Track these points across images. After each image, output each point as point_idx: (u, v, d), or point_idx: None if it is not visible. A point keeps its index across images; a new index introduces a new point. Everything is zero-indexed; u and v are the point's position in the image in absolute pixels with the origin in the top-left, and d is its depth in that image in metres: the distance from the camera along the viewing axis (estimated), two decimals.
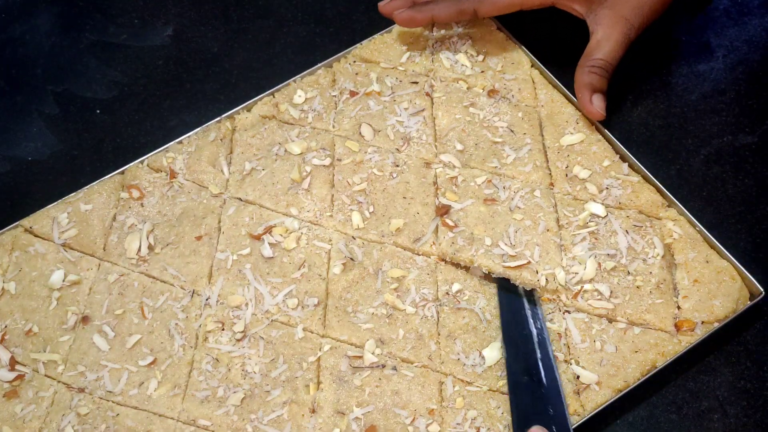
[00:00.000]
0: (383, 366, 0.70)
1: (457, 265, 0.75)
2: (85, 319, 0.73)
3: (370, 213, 0.77)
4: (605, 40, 0.80)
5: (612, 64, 0.80)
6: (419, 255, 0.76)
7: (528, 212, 0.75)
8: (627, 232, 0.75)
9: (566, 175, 0.79)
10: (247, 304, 0.73)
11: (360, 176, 0.79)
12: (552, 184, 0.79)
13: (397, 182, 0.79)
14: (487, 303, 0.73)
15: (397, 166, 0.80)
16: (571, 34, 0.92)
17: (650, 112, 0.87)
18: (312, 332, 0.72)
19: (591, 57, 0.80)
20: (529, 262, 0.72)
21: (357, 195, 0.78)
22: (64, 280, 0.75)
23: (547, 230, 0.74)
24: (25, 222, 0.78)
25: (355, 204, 0.78)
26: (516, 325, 0.71)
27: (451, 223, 0.74)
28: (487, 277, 0.75)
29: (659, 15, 0.83)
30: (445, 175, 0.78)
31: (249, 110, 0.84)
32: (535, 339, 0.70)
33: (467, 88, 0.85)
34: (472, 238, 0.74)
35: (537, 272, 0.71)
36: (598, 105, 0.80)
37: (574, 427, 0.67)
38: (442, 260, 0.75)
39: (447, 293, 0.73)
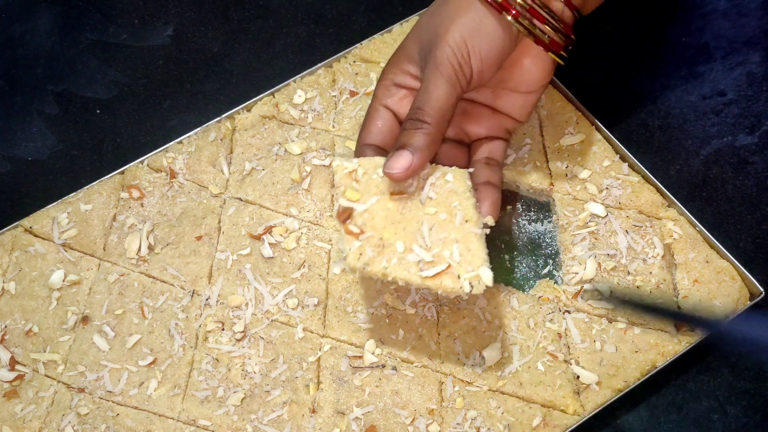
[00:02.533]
0: (383, 366, 0.70)
1: None
2: (85, 319, 0.73)
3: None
4: (423, 88, 0.65)
5: (433, 116, 0.64)
6: None
7: (442, 202, 0.64)
8: (627, 232, 0.75)
9: (566, 175, 0.79)
10: (247, 304, 0.73)
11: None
12: (552, 184, 0.79)
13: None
14: (487, 303, 0.73)
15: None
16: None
17: (650, 113, 0.87)
18: (312, 332, 0.72)
19: (410, 107, 0.65)
20: (449, 266, 0.61)
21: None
22: (64, 280, 0.75)
23: (466, 221, 0.63)
24: (25, 222, 0.78)
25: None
26: None
27: (356, 230, 0.62)
28: None
29: (499, 62, 0.67)
30: (343, 169, 0.65)
31: (249, 110, 0.84)
32: None
33: None
34: (381, 244, 0.62)
35: (459, 277, 0.61)
36: (389, 163, 0.63)
37: (573, 427, 0.67)
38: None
39: None
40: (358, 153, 0.70)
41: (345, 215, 0.63)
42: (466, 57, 0.64)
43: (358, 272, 0.63)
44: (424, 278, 0.61)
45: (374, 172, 0.65)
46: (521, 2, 0.64)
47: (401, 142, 0.64)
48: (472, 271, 0.61)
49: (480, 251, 0.62)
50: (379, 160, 0.65)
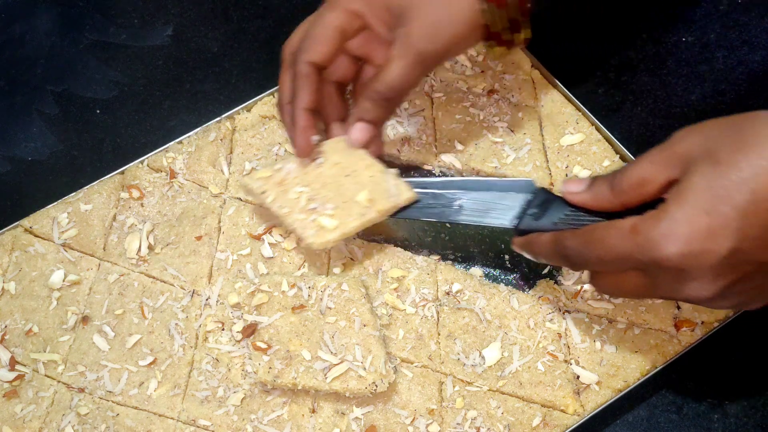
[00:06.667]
0: None
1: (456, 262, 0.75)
2: (85, 319, 0.73)
3: (333, 209, 0.70)
4: (394, 63, 0.67)
5: (396, 93, 0.68)
6: (419, 254, 0.76)
7: (340, 311, 0.69)
8: None
9: (566, 175, 0.79)
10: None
11: (296, 189, 0.71)
12: (552, 184, 0.79)
13: (328, 167, 0.72)
14: (487, 303, 0.73)
15: (314, 160, 0.72)
16: (572, 34, 0.92)
17: (650, 112, 0.87)
18: None
19: (375, 80, 0.68)
20: (349, 369, 0.66)
21: (308, 205, 0.71)
22: (64, 280, 0.75)
23: (364, 325, 0.69)
24: (25, 222, 0.78)
25: (313, 213, 0.71)
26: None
27: (263, 345, 0.68)
28: (488, 276, 0.75)
29: (464, 47, 0.70)
30: (245, 290, 0.71)
31: (249, 110, 0.84)
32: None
33: (467, 88, 0.85)
34: (289, 356, 0.67)
35: (362, 377, 0.66)
36: (354, 135, 0.69)
37: (573, 427, 0.67)
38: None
39: (447, 293, 0.73)
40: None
41: (250, 331, 0.69)
42: (441, 42, 0.66)
43: (269, 385, 0.67)
44: (332, 383, 0.66)
45: (276, 290, 0.70)
46: None
47: (364, 113, 0.69)
48: (375, 371, 0.66)
49: (380, 351, 0.67)
50: (278, 278, 0.71)
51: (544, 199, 0.64)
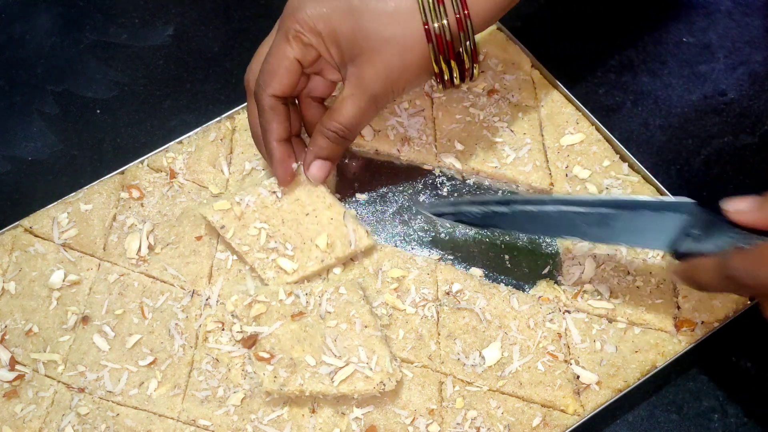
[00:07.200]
0: None
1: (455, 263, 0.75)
2: (85, 319, 0.73)
3: (292, 250, 0.73)
4: (349, 103, 0.69)
5: (351, 131, 0.71)
6: (419, 254, 0.76)
7: (340, 314, 0.69)
8: None
9: (566, 175, 0.79)
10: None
11: (256, 225, 0.74)
12: (552, 184, 0.79)
13: (288, 202, 0.75)
14: (487, 303, 0.73)
15: (274, 192, 0.75)
16: (572, 34, 0.92)
17: (650, 112, 0.87)
18: None
19: (330, 118, 0.70)
20: (356, 371, 0.66)
21: (267, 243, 0.73)
22: (64, 280, 0.75)
23: (365, 326, 0.68)
24: (25, 222, 0.78)
25: (273, 252, 0.73)
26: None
27: (265, 355, 0.67)
28: (488, 276, 0.75)
29: (415, 85, 0.76)
30: (242, 302, 0.71)
31: None
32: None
33: (467, 88, 0.85)
34: (293, 363, 0.67)
35: (369, 377, 0.66)
36: (313, 172, 0.72)
37: (573, 427, 0.67)
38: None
39: (447, 293, 0.73)
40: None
41: (250, 342, 0.68)
42: (394, 86, 0.69)
43: (275, 394, 0.67)
44: (339, 386, 0.66)
45: (273, 300, 0.70)
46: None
47: (320, 151, 0.72)
48: (382, 370, 0.66)
49: (384, 351, 0.67)
50: (275, 287, 0.71)
51: (705, 220, 0.60)
